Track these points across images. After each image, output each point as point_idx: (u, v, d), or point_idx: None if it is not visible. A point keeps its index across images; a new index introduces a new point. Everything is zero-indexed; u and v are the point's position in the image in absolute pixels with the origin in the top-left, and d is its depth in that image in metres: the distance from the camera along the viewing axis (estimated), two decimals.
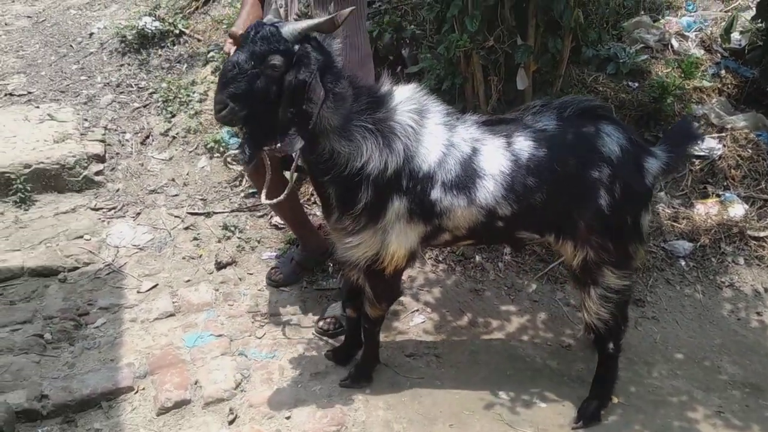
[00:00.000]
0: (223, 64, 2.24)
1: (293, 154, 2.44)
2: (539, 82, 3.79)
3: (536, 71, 3.72)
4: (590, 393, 2.83)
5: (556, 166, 2.46)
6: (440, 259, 3.76)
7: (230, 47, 2.76)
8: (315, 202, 4.03)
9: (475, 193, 2.46)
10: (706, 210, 3.86)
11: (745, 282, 3.65)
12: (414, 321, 3.42)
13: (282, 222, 3.86)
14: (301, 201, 3.85)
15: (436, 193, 2.46)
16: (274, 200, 2.62)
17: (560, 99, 2.64)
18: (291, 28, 2.26)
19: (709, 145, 4.06)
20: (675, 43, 4.64)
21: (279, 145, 2.36)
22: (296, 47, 2.25)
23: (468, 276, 3.69)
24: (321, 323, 3.31)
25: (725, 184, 3.98)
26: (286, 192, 2.59)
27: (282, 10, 2.87)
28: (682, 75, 4.06)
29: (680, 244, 3.74)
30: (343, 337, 3.19)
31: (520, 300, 3.57)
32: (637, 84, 4.38)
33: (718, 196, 3.93)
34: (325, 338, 3.27)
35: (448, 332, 3.36)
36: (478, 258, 3.75)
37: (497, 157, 2.48)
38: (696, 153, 4.03)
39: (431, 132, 2.48)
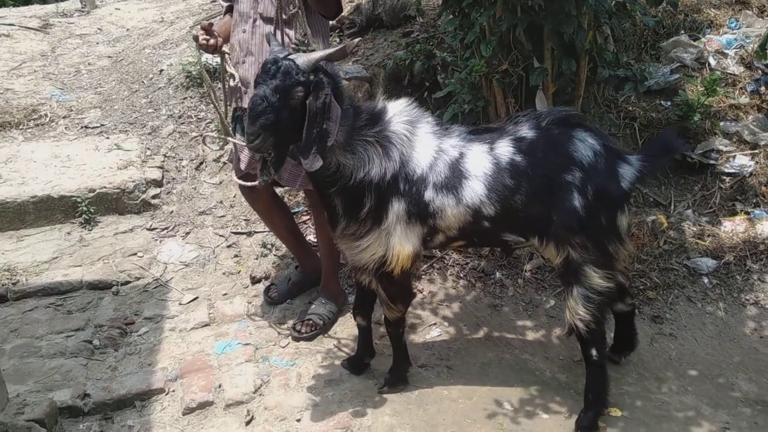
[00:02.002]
0: (251, 99, 2.48)
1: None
2: (560, 102, 3.87)
3: (555, 92, 3.82)
4: (584, 404, 2.88)
5: (531, 169, 2.65)
6: (461, 275, 3.88)
7: (201, 35, 3.12)
8: (309, 226, 4.29)
9: (462, 193, 2.68)
10: (733, 227, 3.80)
11: None
12: (430, 334, 3.56)
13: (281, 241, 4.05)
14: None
15: (429, 194, 2.69)
16: (250, 183, 3.13)
17: (541, 110, 2.79)
18: (306, 60, 2.49)
19: (740, 162, 4.01)
20: (713, 61, 4.61)
21: (303, 164, 2.57)
22: (311, 76, 2.50)
23: (487, 292, 3.79)
24: (297, 326, 3.54)
25: (755, 201, 3.91)
26: (258, 182, 2.86)
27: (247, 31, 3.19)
28: (706, 93, 4.04)
29: (704, 262, 3.71)
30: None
31: (537, 316, 3.64)
32: (669, 102, 4.39)
33: (747, 213, 3.86)
34: (301, 340, 3.50)
35: (462, 345, 3.47)
36: (498, 274, 3.85)
37: (481, 160, 2.70)
38: (725, 170, 4.00)
39: (422, 140, 2.73)
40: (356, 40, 2.56)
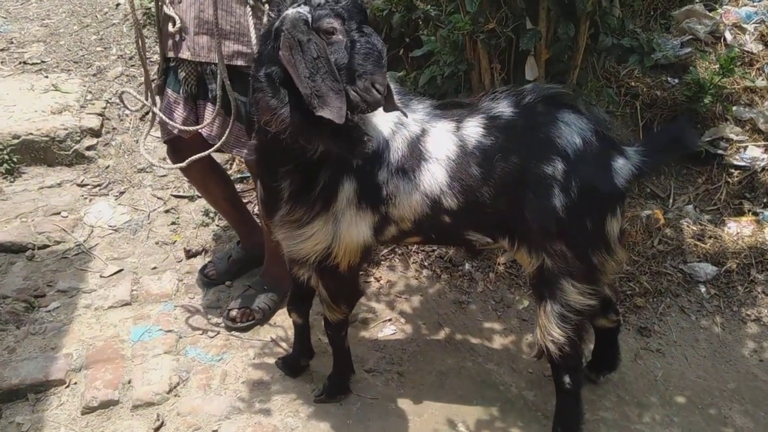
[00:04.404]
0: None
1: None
2: (553, 73, 3.35)
3: (549, 60, 3.28)
4: None
5: (503, 156, 2.15)
6: (425, 264, 3.40)
7: None
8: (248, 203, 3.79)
9: (420, 177, 2.19)
10: (738, 229, 3.33)
11: None
12: (383, 332, 3.09)
13: (221, 215, 3.57)
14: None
15: (382, 175, 2.19)
16: (176, 165, 2.64)
17: (525, 87, 2.28)
18: None
19: (752, 154, 3.51)
20: (729, 36, 4.08)
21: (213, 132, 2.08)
22: None
23: (454, 285, 3.32)
24: (232, 312, 3.06)
25: (766, 201, 3.43)
26: (192, 159, 2.42)
27: None
28: (721, 72, 3.51)
29: (702, 267, 3.24)
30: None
31: (507, 317, 3.17)
32: (677, 80, 3.87)
33: (756, 214, 3.38)
34: (234, 330, 3.05)
35: (418, 348, 3.01)
36: (467, 266, 3.36)
37: (444, 140, 2.21)
38: (734, 162, 3.51)
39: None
40: None
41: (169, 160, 2.99)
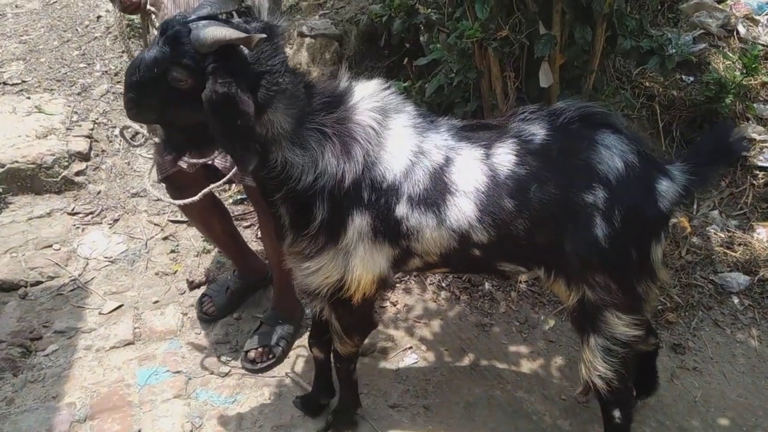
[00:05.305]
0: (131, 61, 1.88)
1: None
2: (568, 78, 3.19)
3: (564, 65, 3.12)
4: None
5: (539, 187, 1.98)
6: (443, 285, 3.23)
7: None
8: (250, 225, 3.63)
9: (446, 213, 2.02)
10: None
11: None
12: (405, 361, 2.92)
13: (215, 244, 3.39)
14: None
15: (402, 209, 2.02)
16: (186, 201, 2.36)
17: (558, 104, 2.11)
18: (207, 35, 1.73)
19: None
20: (741, 28, 3.94)
21: (228, 162, 1.91)
22: (208, 59, 1.76)
23: (474, 307, 3.15)
24: (251, 354, 2.88)
25: None
26: (200, 195, 2.22)
27: None
28: (744, 70, 3.36)
29: (734, 277, 3.10)
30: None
31: (533, 339, 3.02)
32: (693, 78, 3.72)
33: None
34: (255, 372, 2.86)
35: (443, 377, 2.84)
36: (487, 285, 3.20)
37: (472, 170, 2.03)
38: (759, 163, 3.37)
39: (397, 136, 2.05)
40: (261, 36, 1.79)
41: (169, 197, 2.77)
